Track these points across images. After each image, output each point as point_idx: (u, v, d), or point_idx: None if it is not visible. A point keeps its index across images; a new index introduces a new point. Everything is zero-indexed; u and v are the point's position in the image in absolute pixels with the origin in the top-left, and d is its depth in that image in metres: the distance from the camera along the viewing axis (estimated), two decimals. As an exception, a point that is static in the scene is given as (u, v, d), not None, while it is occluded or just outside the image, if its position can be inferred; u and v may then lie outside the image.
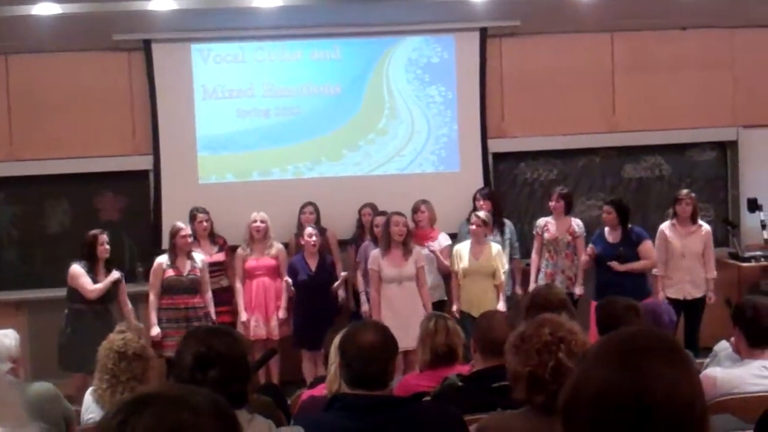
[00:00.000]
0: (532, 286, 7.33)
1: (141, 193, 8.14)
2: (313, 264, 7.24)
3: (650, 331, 1.51)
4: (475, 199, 7.73)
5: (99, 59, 7.99)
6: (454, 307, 7.07)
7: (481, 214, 7.23)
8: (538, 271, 7.53)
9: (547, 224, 7.55)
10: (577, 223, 7.57)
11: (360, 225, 7.82)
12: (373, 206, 7.72)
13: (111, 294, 6.82)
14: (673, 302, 6.63)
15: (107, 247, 6.82)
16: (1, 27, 7.29)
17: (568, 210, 7.58)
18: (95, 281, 6.72)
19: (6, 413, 3.64)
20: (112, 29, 7.72)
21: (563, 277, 7.38)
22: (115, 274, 6.79)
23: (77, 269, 6.74)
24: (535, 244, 7.61)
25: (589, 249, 7.27)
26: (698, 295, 7.23)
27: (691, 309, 7.20)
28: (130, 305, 7.03)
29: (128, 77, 8.05)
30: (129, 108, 8.06)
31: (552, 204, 7.55)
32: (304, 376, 7.05)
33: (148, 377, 4.04)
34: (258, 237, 7.34)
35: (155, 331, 6.85)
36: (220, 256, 7.49)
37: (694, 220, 7.28)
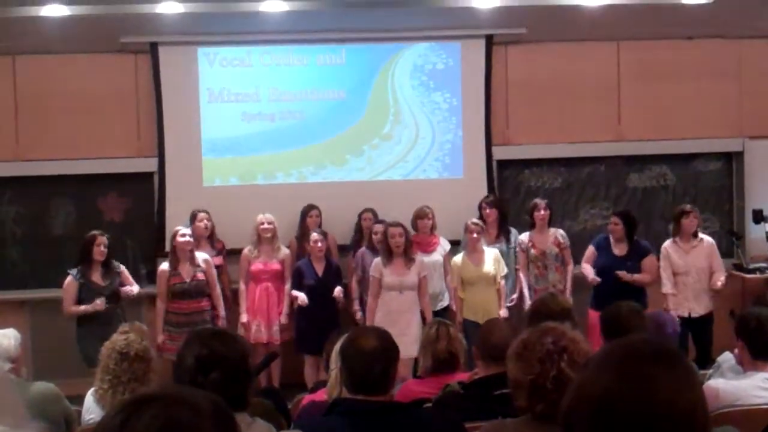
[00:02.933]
0: (527, 304, 7.24)
1: (145, 195, 8.15)
2: (320, 269, 7.21)
3: (652, 340, 1.50)
4: (480, 207, 7.66)
5: (106, 61, 8.00)
6: (457, 320, 6.95)
7: (476, 219, 7.23)
8: (529, 288, 7.39)
9: (531, 240, 7.43)
10: (561, 234, 7.48)
11: (359, 230, 7.79)
12: (373, 212, 7.71)
13: (116, 292, 6.77)
14: (679, 319, 6.55)
15: (104, 249, 6.69)
16: (10, 27, 7.31)
17: (550, 221, 7.52)
18: (89, 284, 6.64)
19: (6, 412, 3.64)
20: (120, 31, 7.73)
21: (555, 291, 7.07)
22: (97, 304, 6.54)
23: (68, 282, 6.68)
24: (521, 261, 7.46)
25: (591, 279, 7.10)
26: (702, 312, 7.09)
27: (698, 326, 7.07)
28: (132, 288, 6.95)
29: (134, 79, 8.07)
30: (134, 110, 8.08)
31: (541, 214, 7.37)
32: (305, 381, 7.02)
33: (150, 378, 4.03)
34: (265, 238, 7.30)
35: (161, 338, 6.84)
36: (218, 260, 7.42)
37: (695, 235, 7.17)
